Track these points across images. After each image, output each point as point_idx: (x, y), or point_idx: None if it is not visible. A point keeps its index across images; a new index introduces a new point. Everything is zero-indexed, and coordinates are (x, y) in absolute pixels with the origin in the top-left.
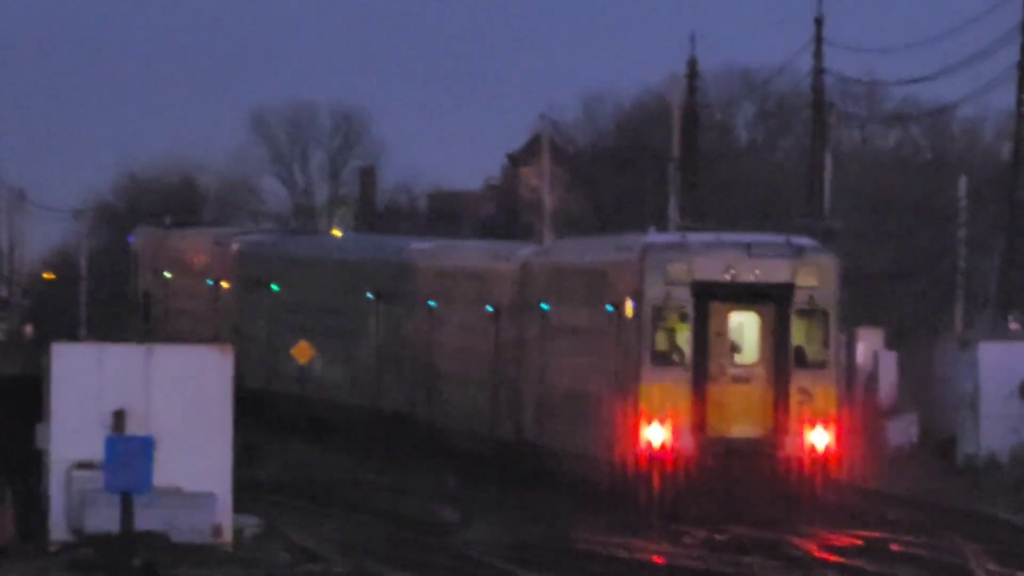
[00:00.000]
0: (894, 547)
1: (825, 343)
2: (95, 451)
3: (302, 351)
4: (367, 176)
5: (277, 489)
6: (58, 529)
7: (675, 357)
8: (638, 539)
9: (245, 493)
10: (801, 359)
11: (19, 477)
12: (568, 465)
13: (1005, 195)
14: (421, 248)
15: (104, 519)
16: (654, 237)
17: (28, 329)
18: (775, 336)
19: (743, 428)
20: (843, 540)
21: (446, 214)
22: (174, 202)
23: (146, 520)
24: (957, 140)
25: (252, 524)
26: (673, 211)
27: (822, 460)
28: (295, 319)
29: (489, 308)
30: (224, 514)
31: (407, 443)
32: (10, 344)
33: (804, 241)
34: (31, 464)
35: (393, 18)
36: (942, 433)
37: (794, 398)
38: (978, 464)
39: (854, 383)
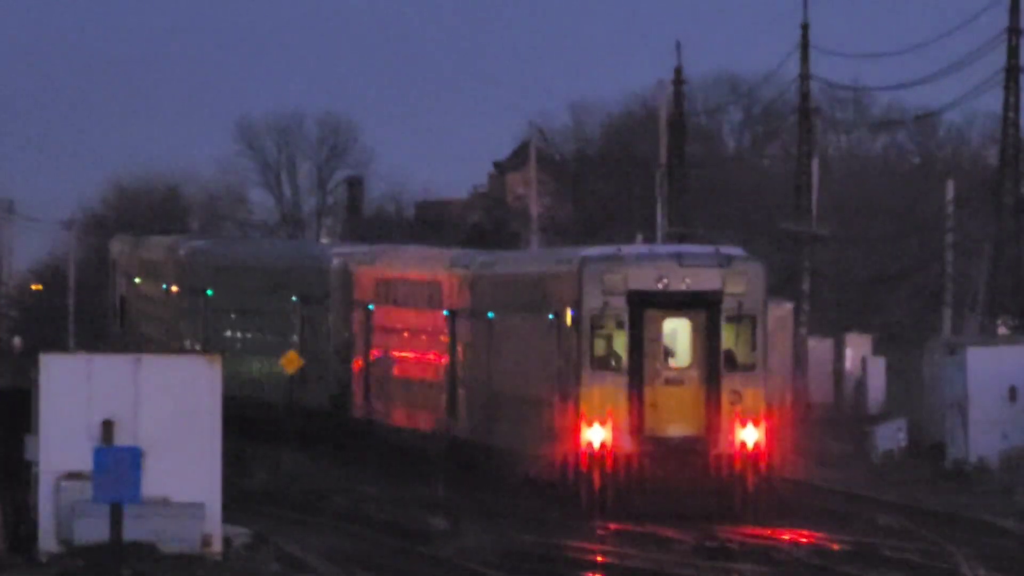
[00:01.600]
0: (884, 552)
1: (753, 347)
2: (84, 462)
3: (290, 360)
4: (354, 186)
5: (267, 498)
6: (47, 540)
7: (613, 362)
8: (629, 547)
9: (235, 503)
10: (731, 362)
11: (8, 488)
12: (518, 464)
13: (992, 200)
14: (348, 253)
15: (93, 530)
16: (591, 250)
17: (16, 340)
18: (706, 341)
19: (678, 428)
20: (833, 545)
21: (434, 222)
22: (161, 212)
23: (135, 530)
24: (944, 145)
25: (242, 534)
26: (660, 218)
27: (752, 456)
28: (227, 322)
29: (446, 313)
30: (213, 524)
31: (334, 439)
32: None
33: (732, 250)
34: (20, 475)
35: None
36: (931, 438)
37: (725, 399)
38: (967, 469)
39: (842, 388)
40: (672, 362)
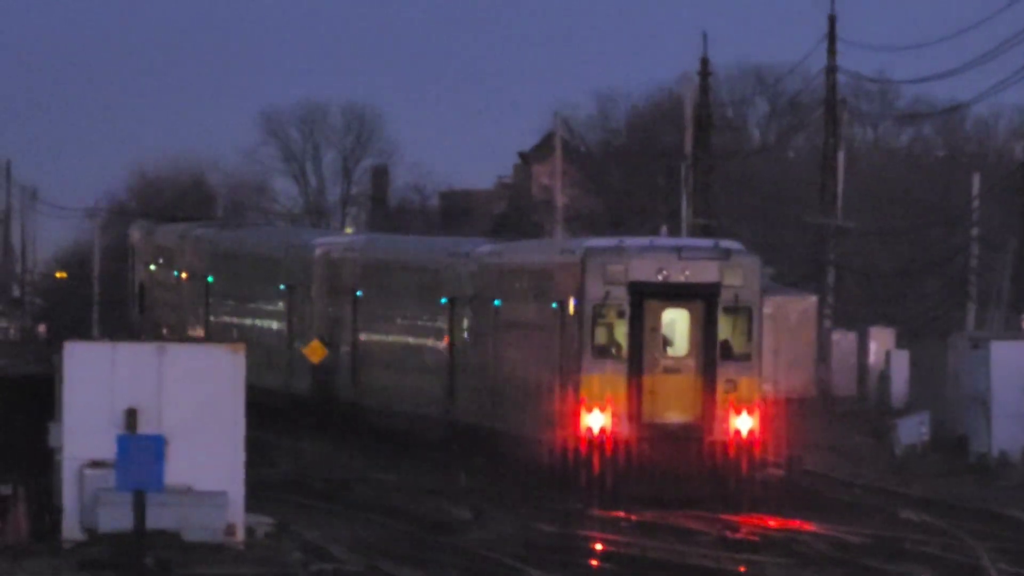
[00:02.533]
0: (906, 545)
1: (749, 337)
2: (107, 450)
3: (314, 350)
4: (379, 175)
5: (289, 487)
6: (71, 528)
7: (613, 350)
8: (651, 539)
9: (257, 491)
10: (727, 352)
11: (32, 476)
12: (520, 447)
13: (1018, 193)
14: (331, 242)
15: (117, 518)
16: (594, 241)
17: (41, 328)
18: (703, 331)
19: (675, 415)
20: (854, 538)
21: (458, 213)
22: (186, 201)
23: (158, 519)
24: (970, 138)
25: (265, 523)
26: (685, 209)
27: (747, 443)
28: (225, 309)
29: (443, 300)
30: (237, 513)
31: (329, 423)
32: (23, 343)
33: (730, 244)
34: (44, 463)
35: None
36: (954, 432)
37: (721, 387)
38: (990, 463)
39: (866, 382)
40: (670, 351)
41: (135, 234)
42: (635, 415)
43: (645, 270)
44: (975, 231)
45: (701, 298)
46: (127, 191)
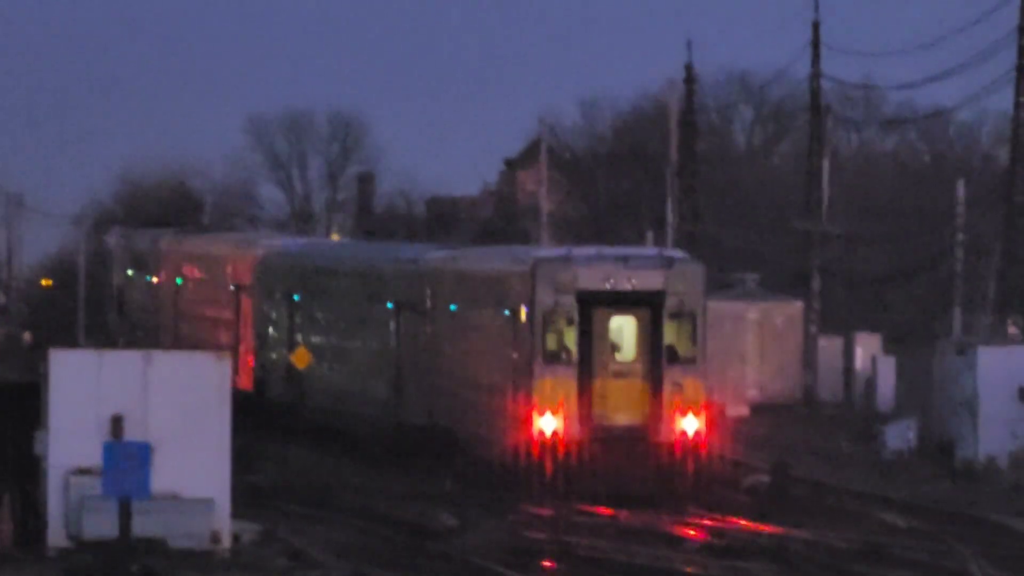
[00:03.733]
0: (893, 551)
1: (694, 341)
2: (93, 457)
3: (300, 357)
4: (365, 182)
5: (275, 494)
6: (56, 535)
7: (563, 356)
8: (638, 544)
9: (243, 498)
10: (673, 356)
11: (17, 483)
12: (475, 447)
13: (1003, 199)
14: (271, 245)
15: (102, 525)
16: (544, 251)
17: (26, 335)
18: (650, 336)
19: (623, 417)
20: (842, 543)
21: (444, 219)
22: (171, 208)
23: (144, 526)
24: (954, 144)
25: (250, 529)
26: (671, 215)
27: (692, 443)
28: (189, 311)
29: (390, 305)
30: (222, 520)
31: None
32: (8, 350)
33: (674, 253)
34: (29, 470)
35: (390, 24)
36: (941, 437)
37: (667, 390)
38: (977, 468)
39: (852, 387)
40: (618, 356)
41: (112, 239)
42: (585, 417)
43: (593, 279)
44: (960, 236)
45: (647, 305)
46: (113, 198)
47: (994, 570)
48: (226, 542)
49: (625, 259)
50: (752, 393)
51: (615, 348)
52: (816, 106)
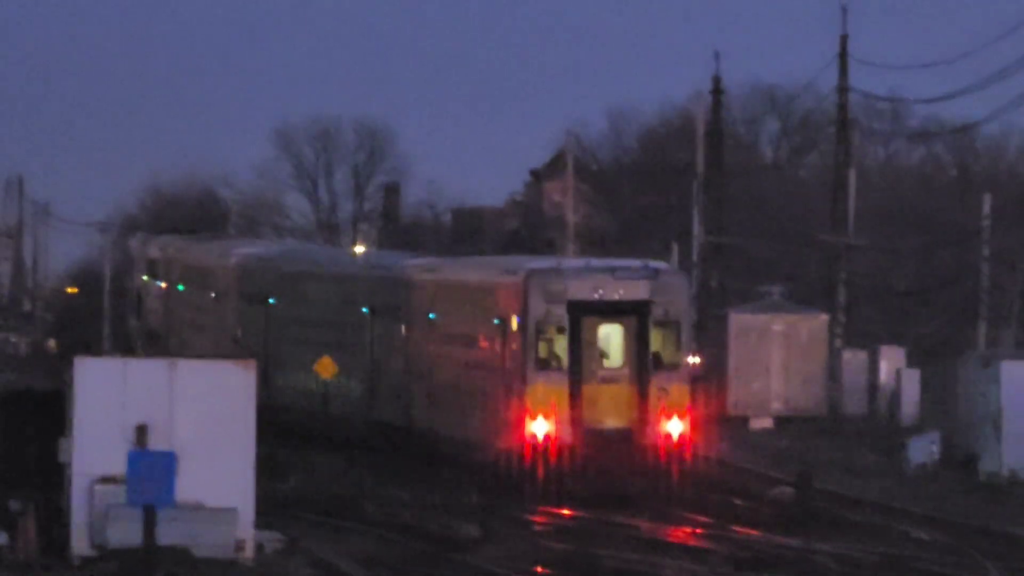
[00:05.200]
0: (917, 564)
1: (678, 348)
2: (118, 465)
3: (325, 366)
4: (391, 192)
5: (299, 503)
6: (80, 544)
7: (554, 363)
8: (662, 556)
9: (267, 507)
10: (658, 362)
11: (42, 491)
12: (460, 449)
13: None
14: (248, 253)
15: (126, 534)
16: (535, 263)
17: (51, 343)
18: (637, 344)
19: (612, 420)
20: (865, 556)
21: (470, 230)
22: (198, 216)
23: (168, 535)
24: (981, 157)
25: (274, 539)
26: (697, 227)
27: (677, 445)
28: (186, 315)
29: (365, 310)
30: (246, 529)
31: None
32: (34, 358)
33: (660, 265)
34: (54, 478)
35: (417, 35)
36: (965, 451)
37: (653, 395)
38: (1000, 482)
39: (876, 400)
40: (606, 363)
41: (133, 245)
42: (576, 421)
43: (583, 289)
44: (986, 250)
45: (634, 314)
46: (139, 206)
47: None
48: (250, 551)
49: (613, 270)
50: (776, 406)
51: (603, 355)
52: (843, 119)
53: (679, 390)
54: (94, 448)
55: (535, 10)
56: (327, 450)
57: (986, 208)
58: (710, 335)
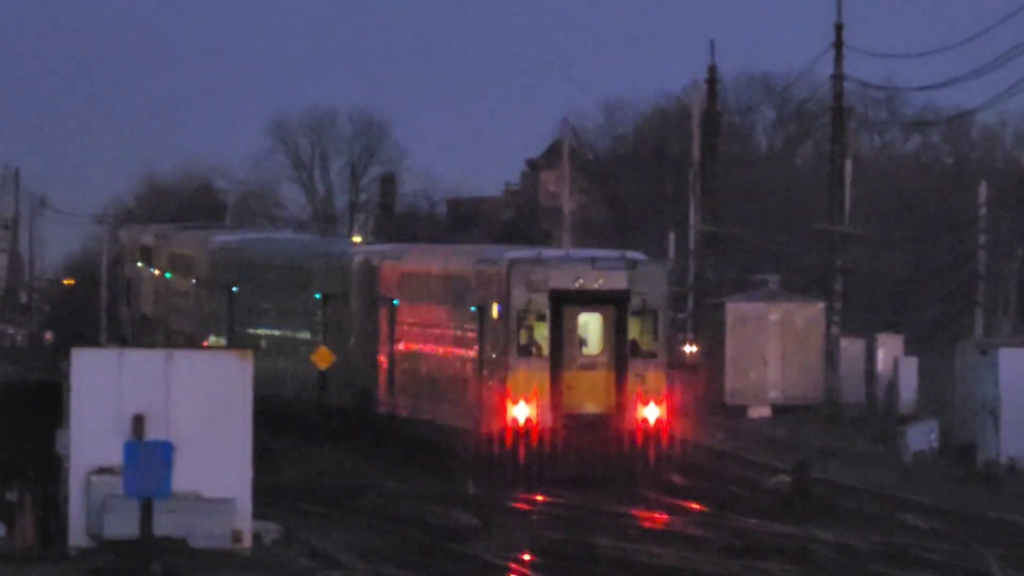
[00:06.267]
0: (915, 552)
1: (655, 336)
2: (115, 456)
3: (322, 356)
4: (387, 183)
5: (296, 494)
6: (77, 535)
7: (535, 350)
8: (660, 545)
9: (264, 498)
10: (636, 350)
11: (39, 482)
12: (433, 434)
13: None
14: (226, 241)
15: (123, 524)
16: (515, 253)
17: (48, 334)
18: (615, 332)
19: (591, 406)
20: (863, 545)
21: (466, 220)
22: (194, 208)
23: (165, 526)
24: (977, 146)
25: (272, 530)
26: (693, 216)
27: (654, 430)
28: (172, 300)
29: (317, 296)
30: (244, 519)
31: None
32: (30, 349)
33: (637, 255)
34: (51, 469)
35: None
36: (963, 439)
37: (631, 381)
38: (998, 470)
39: (874, 388)
40: (586, 350)
41: (124, 235)
42: (556, 406)
43: (563, 278)
44: (982, 238)
45: (612, 303)
46: (135, 197)
47: (1016, 572)
48: (247, 542)
49: (593, 260)
50: (774, 394)
51: (583, 342)
52: (838, 108)
53: (656, 377)
54: (91, 439)
55: (530, 1)
56: (324, 441)
57: (982, 196)
58: (707, 324)
